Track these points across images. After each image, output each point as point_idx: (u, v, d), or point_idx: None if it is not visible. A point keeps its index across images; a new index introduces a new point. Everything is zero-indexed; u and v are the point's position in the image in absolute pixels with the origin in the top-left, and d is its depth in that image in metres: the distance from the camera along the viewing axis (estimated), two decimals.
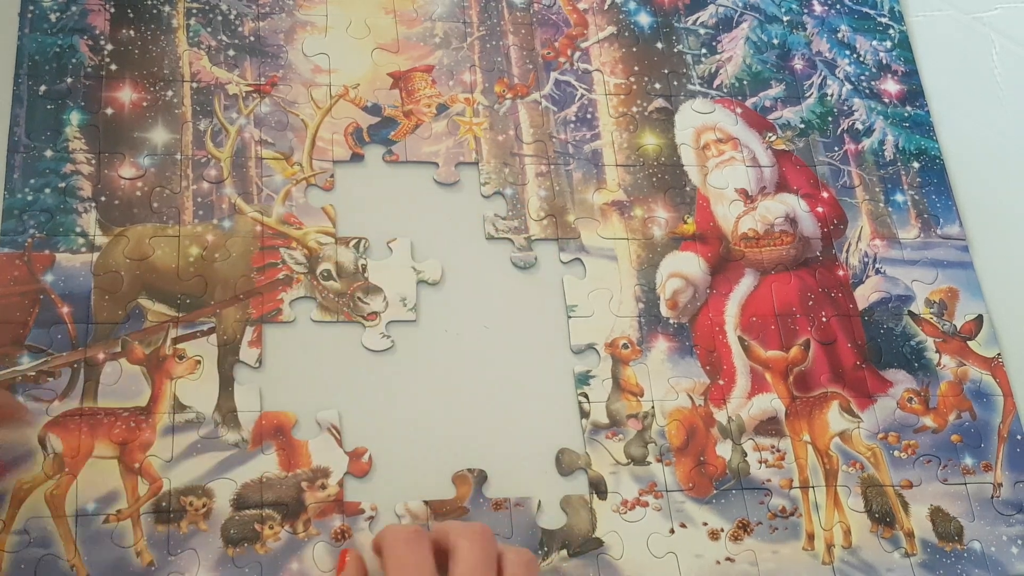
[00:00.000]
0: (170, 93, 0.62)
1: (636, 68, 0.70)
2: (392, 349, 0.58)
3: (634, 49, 0.70)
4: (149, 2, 0.64)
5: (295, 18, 0.66)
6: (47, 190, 0.58)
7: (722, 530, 0.57)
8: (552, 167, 0.65)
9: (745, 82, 0.71)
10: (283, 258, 0.59)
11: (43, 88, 0.60)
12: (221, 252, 0.59)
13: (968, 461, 0.61)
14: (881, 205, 0.68)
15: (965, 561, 0.59)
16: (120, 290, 0.57)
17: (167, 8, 0.64)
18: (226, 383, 0.55)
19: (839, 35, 0.74)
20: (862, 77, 0.73)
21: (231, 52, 0.64)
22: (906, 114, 0.72)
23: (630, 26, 0.71)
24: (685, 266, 0.64)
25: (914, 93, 0.73)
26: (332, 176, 0.62)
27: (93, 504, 0.52)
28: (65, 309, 0.55)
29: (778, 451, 0.60)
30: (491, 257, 0.62)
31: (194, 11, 0.65)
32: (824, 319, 0.64)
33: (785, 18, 0.74)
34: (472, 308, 0.60)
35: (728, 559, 0.56)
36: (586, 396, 0.59)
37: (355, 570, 0.50)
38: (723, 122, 0.69)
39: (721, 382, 0.61)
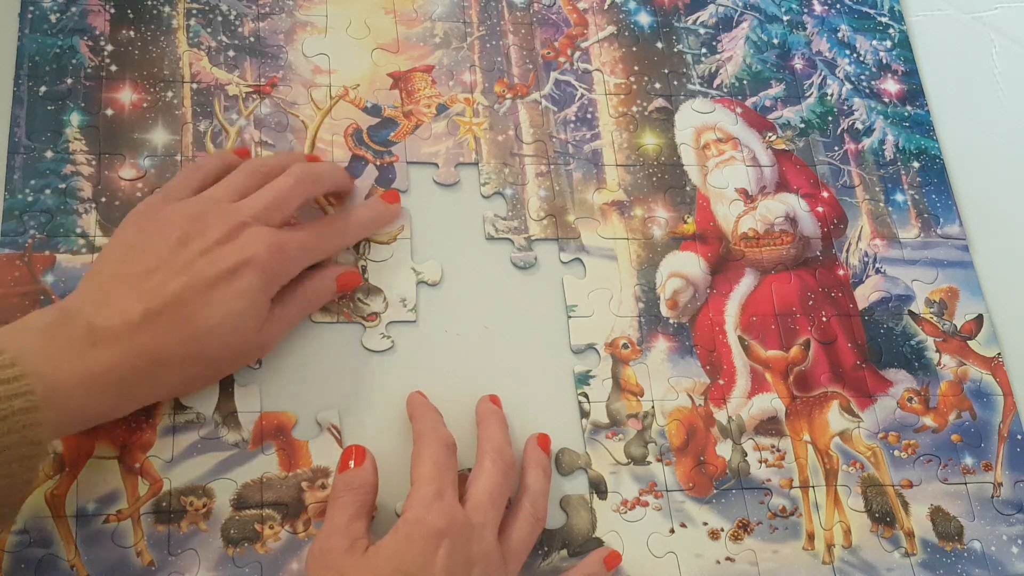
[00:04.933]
0: (170, 94, 0.62)
1: (636, 68, 0.70)
2: (392, 349, 0.58)
3: (634, 49, 0.70)
4: (149, 3, 0.64)
5: (295, 18, 0.66)
6: (47, 191, 0.58)
7: (722, 530, 0.57)
8: (552, 167, 0.65)
9: (745, 82, 0.71)
10: None
11: (43, 89, 0.60)
12: None
13: (968, 461, 0.61)
14: (881, 205, 0.68)
15: (965, 561, 0.59)
16: None
17: (167, 9, 0.64)
18: (226, 383, 0.55)
19: (839, 35, 0.74)
20: (862, 77, 0.73)
21: (231, 53, 0.64)
22: (906, 114, 0.72)
23: (630, 26, 0.71)
24: (685, 266, 0.64)
25: (914, 93, 0.73)
26: None
27: (93, 504, 0.52)
28: None
29: (778, 451, 0.60)
30: (491, 257, 0.62)
31: (194, 12, 0.65)
32: (824, 319, 0.64)
33: (785, 18, 0.74)
34: (472, 308, 0.60)
35: (728, 559, 0.57)
36: (586, 396, 0.59)
37: (373, 473, 0.52)
38: (723, 122, 0.69)
39: (721, 382, 0.61)
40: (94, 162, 0.59)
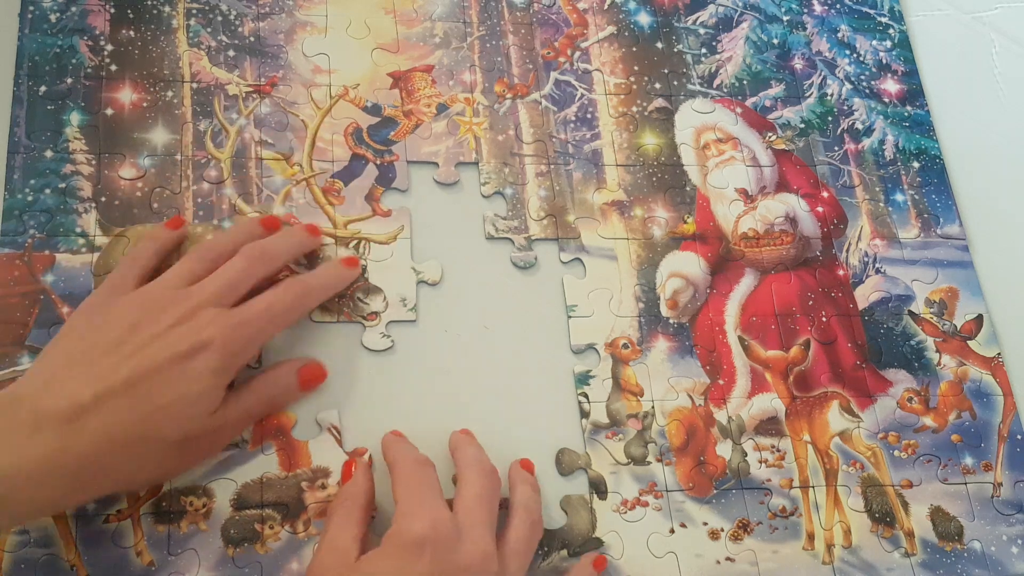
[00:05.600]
0: (170, 94, 0.62)
1: (636, 68, 0.70)
2: (392, 349, 0.58)
3: (634, 49, 0.70)
4: (149, 2, 0.64)
5: (295, 18, 0.66)
6: (47, 191, 0.58)
7: (722, 530, 0.57)
8: (552, 167, 0.65)
9: (745, 82, 0.71)
10: None
11: (43, 89, 0.60)
12: None
13: (968, 461, 0.61)
14: (881, 205, 0.68)
15: (965, 561, 0.59)
16: None
17: (167, 8, 0.64)
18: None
19: (839, 35, 0.74)
20: (862, 77, 0.73)
21: (231, 52, 0.64)
22: (906, 114, 0.72)
23: (630, 26, 0.71)
24: (685, 266, 0.64)
25: (914, 93, 0.73)
26: (332, 177, 0.62)
27: (93, 504, 0.52)
28: (65, 309, 0.55)
29: (778, 451, 0.60)
30: (491, 257, 0.62)
31: (194, 11, 0.65)
32: (824, 319, 0.64)
33: (785, 18, 0.74)
34: (472, 308, 0.60)
35: (728, 559, 0.57)
36: (586, 396, 0.59)
37: (365, 479, 0.53)
38: (723, 122, 0.69)
39: (721, 382, 0.61)
40: (94, 162, 0.59)
